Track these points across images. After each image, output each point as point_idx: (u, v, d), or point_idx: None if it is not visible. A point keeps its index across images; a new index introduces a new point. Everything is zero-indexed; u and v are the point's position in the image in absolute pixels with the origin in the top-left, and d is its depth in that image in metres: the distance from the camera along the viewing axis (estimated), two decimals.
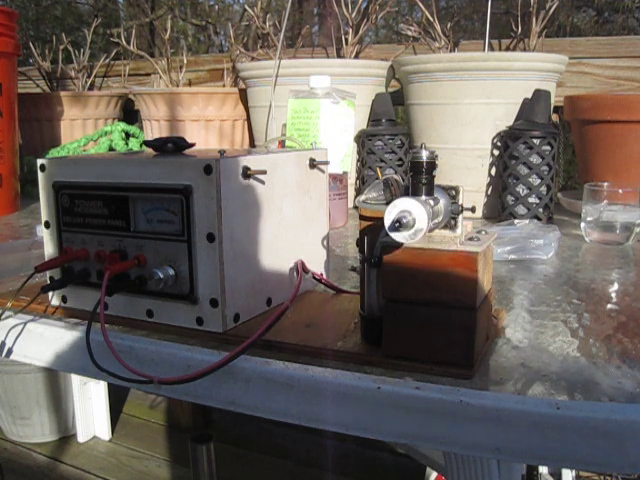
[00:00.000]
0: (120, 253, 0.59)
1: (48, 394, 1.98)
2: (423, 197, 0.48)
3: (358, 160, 1.27)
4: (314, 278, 0.67)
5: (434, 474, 1.43)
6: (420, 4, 1.33)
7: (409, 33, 1.34)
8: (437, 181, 0.49)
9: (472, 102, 1.12)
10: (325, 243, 0.70)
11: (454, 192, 0.50)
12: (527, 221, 0.94)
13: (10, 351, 0.62)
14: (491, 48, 1.38)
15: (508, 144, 1.06)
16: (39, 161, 0.63)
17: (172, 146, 0.61)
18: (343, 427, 0.47)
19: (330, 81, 1.13)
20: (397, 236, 0.46)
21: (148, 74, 1.83)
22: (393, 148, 1.22)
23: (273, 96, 1.26)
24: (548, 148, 1.04)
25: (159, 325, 0.59)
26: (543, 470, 1.37)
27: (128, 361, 0.51)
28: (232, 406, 0.51)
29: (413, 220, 0.45)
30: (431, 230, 0.49)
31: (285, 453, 1.95)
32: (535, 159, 1.03)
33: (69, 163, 0.62)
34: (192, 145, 0.63)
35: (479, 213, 1.17)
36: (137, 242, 0.58)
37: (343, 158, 1.18)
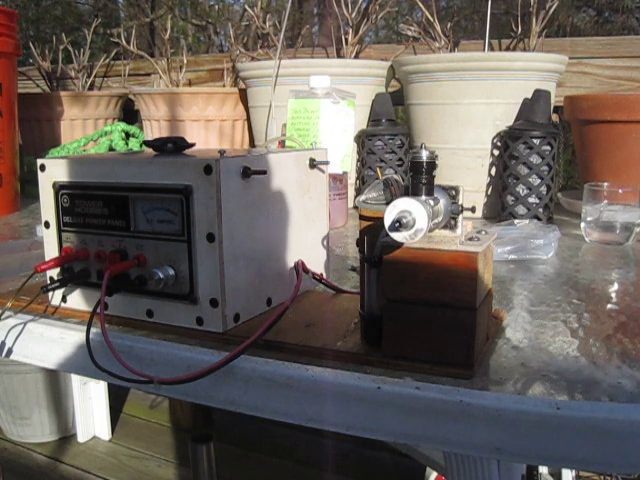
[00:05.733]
0: (120, 253, 0.59)
1: (48, 394, 1.98)
2: (423, 197, 0.48)
3: (358, 160, 1.27)
4: (314, 278, 0.67)
5: (434, 474, 1.43)
6: (420, 4, 1.33)
7: (409, 33, 1.34)
8: (437, 181, 0.49)
9: (472, 102, 1.12)
10: (325, 243, 0.70)
11: (454, 192, 0.50)
12: (527, 221, 0.94)
13: (10, 351, 0.62)
14: (491, 48, 1.38)
15: (508, 144, 1.06)
16: (39, 161, 0.63)
17: (172, 146, 0.61)
18: (343, 427, 0.47)
19: (330, 81, 1.13)
20: (397, 236, 0.46)
21: (148, 74, 1.83)
22: (393, 148, 1.22)
23: (273, 96, 1.26)
24: (548, 148, 1.04)
25: (159, 325, 0.59)
26: (543, 470, 1.37)
27: (128, 361, 0.51)
28: (232, 406, 0.51)
29: (413, 220, 0.45)
30: (431, 230, 0.49)
31: (285, 453, 1.95)
32: (535, 159, 1.03)
33: (69, 163, 0.62)
34: (192, 145, 0.63)
35: (479, 213, 1.17)
36: (137, 242, 0.58)
37: (343, 158, 1.18)
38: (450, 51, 1.29)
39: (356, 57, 1.41)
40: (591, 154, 1.12)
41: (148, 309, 0.59)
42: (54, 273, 0.64)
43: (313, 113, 1.13)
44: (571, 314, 0.62)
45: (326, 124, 1.13)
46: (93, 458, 1.98)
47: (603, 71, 1.34)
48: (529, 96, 1.08)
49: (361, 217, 0.53)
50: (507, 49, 1.40)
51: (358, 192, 1.28)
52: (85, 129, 1.62)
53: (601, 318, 0.61)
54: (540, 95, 1.05)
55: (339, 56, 1.50)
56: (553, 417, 0.42)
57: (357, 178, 1.28)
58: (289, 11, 1.38)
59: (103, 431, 2.07)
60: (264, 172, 0.58)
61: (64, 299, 0.64)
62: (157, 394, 1.84)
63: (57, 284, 0.61)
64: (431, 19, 1.28)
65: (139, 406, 2.25)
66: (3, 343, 0.62)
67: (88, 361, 0.52)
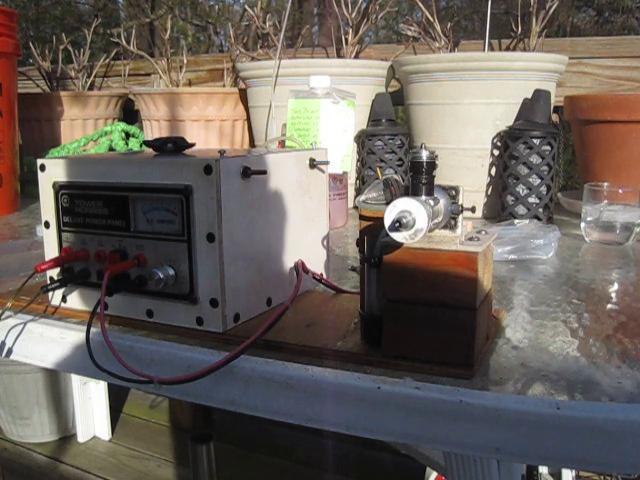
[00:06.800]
0: (120, 253, 0.59)
1: (48, 394, 1.98)
2: (423, 197, 0.48)
3: (358, 160, 1.27)
4: (314, 278, 0.67)
5: (434, 474, 1.43)
6: (420, 4, 1.33)
7: (409, 33, 1.34)
8: (437, 181, 0.49)
9: (472, 102, 1.12)
10: (325, 243, 0.70)
11: (454, 192, 0.50)
12: (527, 221, 0.94)
13: (10, 351, 0.62)
14: (491, 48, 1.38)
15: (508, 144, 1.06)
16: (39, 161, 0.63)
17: (172, 146, 0.61)
18: (343, 427, 0.47)
19: (330, 81, 1.13)
20: (397, 236, 0.46)
21: (148, 74, 1.83)
22: (393, 148, 1.22)
23: (273, 96, 1.26)
24: (548, 148, 1.04)
25: (159, 325, 0.59)
26: (543, 470, 1.37)
27: (128, 361, 0.51)
28: (232, 406, 0.51)
29: (413, 220, 0.45)
30: (431, 230, 0.49)
31: (285, 453, 1.95)
32: (535, 159, 1.03)
33: (69, 163, 0.62)
34: (192, 145, 0.63)
35: (479, 213, 1.17)
36: (137, 242, 0.58)
37: (343, 158, 1.18)
38: (450, 51, 1.29)
39: (356, 57, 1.41)
40: (591, 154, 1.12)
41: (148, 309, 0.59)
42: (54, 273, 0.64)
43: (313, 113, 1.13)
44: (571, 314, 0.62)
45: (326, 124, 1.13)
46: (93, 458, 1.98)
47: (603, 71, 1.34)
48: (529, 96, 1.08)
49: (361, 217, 0.53)
50: (507, 49, 1.40)
51: (358, 192, 1.28)
52: (85, 129, 1.62)
53: (601, 318, 0.61)
54: (540, 95, 1.05)
55: (339, 56, 1.50)
56: (553, 417, 0.42)
57: (357, 178, 1.28)
58: (289, 11, 1.38)
59: (103, 431, 2.06)
60: (264, 172, 0.58)
61: (64, 299, 0.64)
62: (157, 394, 1.84)
63: (57, 284, 0.61)
64: (431, 19, 1.28)
65: (139, 406, 2.25)
66: (3, 343, 0.62)
67: (88, 361, 0.52)
